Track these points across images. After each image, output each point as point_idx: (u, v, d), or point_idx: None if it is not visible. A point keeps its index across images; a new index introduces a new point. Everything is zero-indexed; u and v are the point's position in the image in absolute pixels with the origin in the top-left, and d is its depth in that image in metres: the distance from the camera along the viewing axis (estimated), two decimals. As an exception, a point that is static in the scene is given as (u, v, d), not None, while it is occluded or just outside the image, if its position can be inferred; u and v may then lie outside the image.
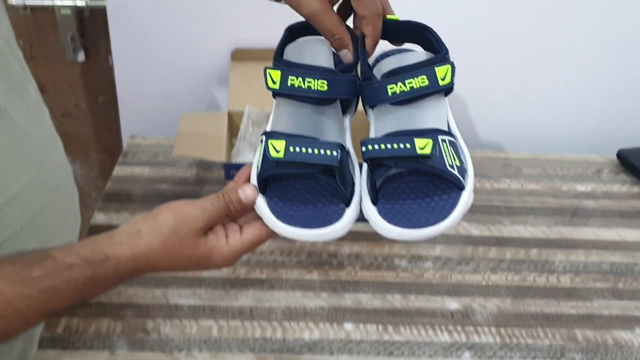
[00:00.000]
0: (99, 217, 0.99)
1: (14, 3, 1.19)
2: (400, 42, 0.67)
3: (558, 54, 1.22)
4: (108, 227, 0.55)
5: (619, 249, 0.97)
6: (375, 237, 0.96)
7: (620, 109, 1.28)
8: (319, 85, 0.59)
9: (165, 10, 1.16)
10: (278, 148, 0.55)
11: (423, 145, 0.54)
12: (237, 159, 0.99)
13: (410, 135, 0.56)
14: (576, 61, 1.23)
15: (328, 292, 0.87)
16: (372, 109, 0.63)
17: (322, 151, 0.56)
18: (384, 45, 0.66)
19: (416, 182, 0.58)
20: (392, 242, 0.95)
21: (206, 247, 0.57)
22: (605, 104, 1.28)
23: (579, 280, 0.91)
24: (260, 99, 1.05)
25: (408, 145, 0.54)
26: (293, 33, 0.67)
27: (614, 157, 1.18)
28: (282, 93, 0.60)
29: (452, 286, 0.89)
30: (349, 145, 0.63)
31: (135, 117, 1.27)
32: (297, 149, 0.55)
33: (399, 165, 0.56)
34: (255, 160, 0.61)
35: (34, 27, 1.24)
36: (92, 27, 1.25)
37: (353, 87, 0.62)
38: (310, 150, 0.56)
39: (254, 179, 0.59)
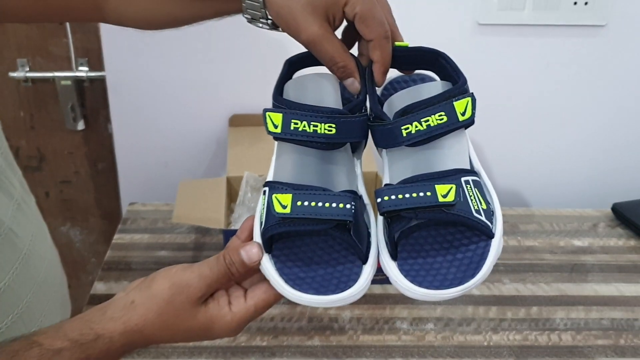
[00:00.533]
0: (99, 287, 0.99)
1: (16, 76, 1.22)
2: (411, 70, 0.62)
3: (552, 112, 1.24)
4: (108, 297, 0.54)
5: (618, 304, 0.98)
6: (376, 300, 0.96)
7: (614, 163, 1.30)
8: (326, 129, 0.53)
9: (163, 79, 1.19)
10: (284, 203, 0.50)
11: (446, 192, 0.48)
12: (237, 225, 1.00)
13: (430, 179, 0.52)
14: (570, 118, 1.25)
15: (330, 359, 0.87)
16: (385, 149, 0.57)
17: (334, 204, 0.50)
18: (391, 73, 0.61)
19: (439, 231, 0.52)
20: (394, 303, 0.95)
21: (206, 317, 0.52)
22: (599, 159, 1.30)
23: (581, 337, 0.91)
24: (258, 164, 1.06)
25: (429, 194, 0.49)
26: (293, 66, 0.61)
27: (609, 211, 1.19)
28: (285, 138, 0.54)
29: (454, 348, 0.89)
30: (361, 191, 0.57)
31: (135, 183, 1.29)
32: (306, 203, 0.49)
33: (420, 216, 0.50)
34: (258, 213, 0.54)
35: (34, 98, 1.27)
36: (91, 96, 1.28)
37: (364, 128, 0.56)
38: (320, 204, 0.49)
39: (257, 237, 0.53)
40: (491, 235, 0.50)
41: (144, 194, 1.26)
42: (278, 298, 0.53)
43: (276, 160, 0.57)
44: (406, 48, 0.58)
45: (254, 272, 0.53)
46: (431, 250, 0.51)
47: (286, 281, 0.50)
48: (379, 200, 0.50)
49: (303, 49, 0.58)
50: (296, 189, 0.52)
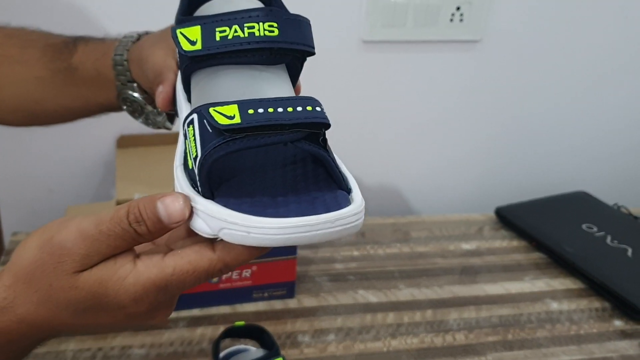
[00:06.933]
0: (-19, 324, 0.92)
1: None
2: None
3: (438, 123, 1.30)
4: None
5: (505, 301, 1.03)
6: (277, 315, 0.96)
7: (495, 170, 1.38)
8: (267, 29, 0.39)
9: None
10: (229, 113, 0.34)
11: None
12: (130, 248, 0.96)
13: None
14: (454, 129, 1.32)
15: (233, 378, 0.85)
16: None
17: (298, 108, 0.36)
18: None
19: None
20: (295, 317, 0.96)
21: (91, 281, 0.36)
22: (482, 167, 1.38)
23: (473, 336, 0.95)
24: (149, 186, 1.04)
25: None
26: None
27: (493, 214, 1.26)
28: (208, 54, 0.39)
29: (356, 356, 0.91)
30: None
31: (18, 212, 1.22)
32: (261, 110, 0.35)
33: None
34: (180, 164, 0.39)
35: None
36: (-35, 122, 1.20)
37: (311, 36, 0.45)
38: (280, 109, 0.35)
39: (185, 186, 0.37)
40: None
41: (28, 223, 1.19)
42: (212, 265, 0.36)
43: (193, 95, 0.43)
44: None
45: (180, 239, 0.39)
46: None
47: (249, 213, 0.34)
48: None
49: None
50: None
